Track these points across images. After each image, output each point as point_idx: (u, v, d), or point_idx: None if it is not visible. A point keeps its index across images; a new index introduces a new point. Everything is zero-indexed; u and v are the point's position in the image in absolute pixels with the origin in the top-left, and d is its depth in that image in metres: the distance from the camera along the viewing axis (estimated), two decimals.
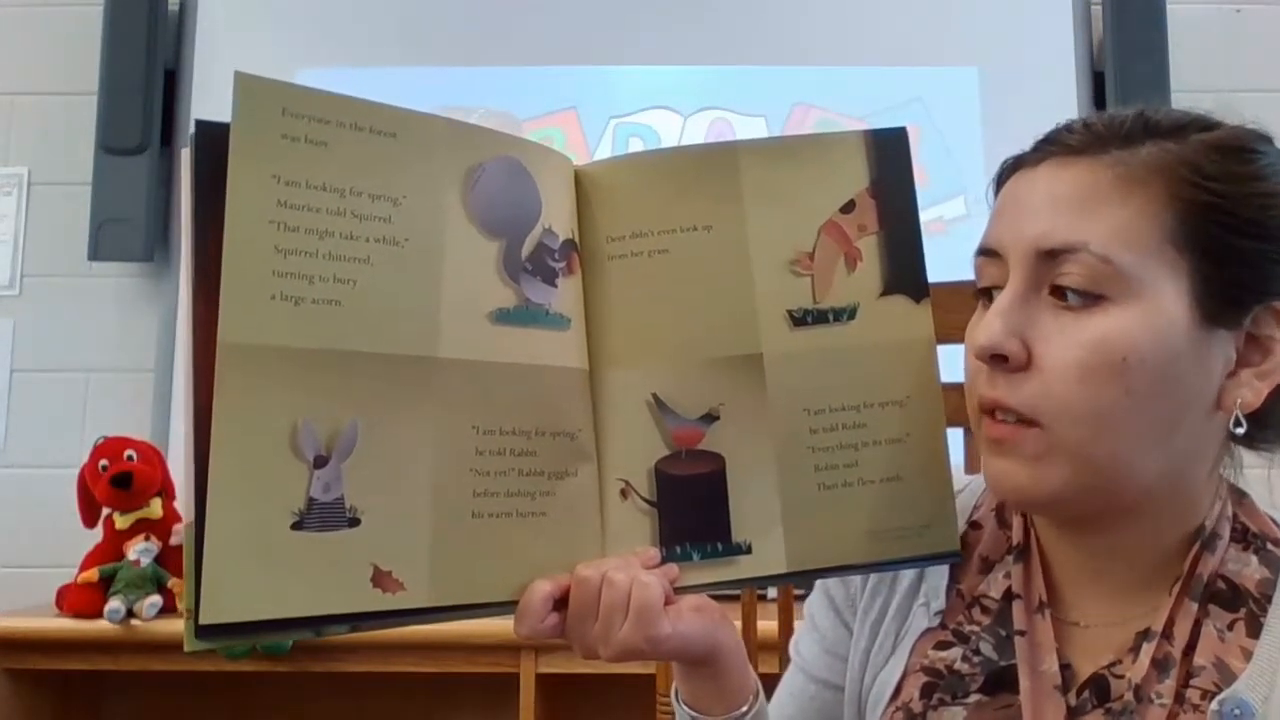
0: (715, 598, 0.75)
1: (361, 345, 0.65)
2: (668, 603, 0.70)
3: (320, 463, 0.63)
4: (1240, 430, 0.67)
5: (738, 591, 1.23)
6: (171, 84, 2.34)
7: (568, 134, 2.35)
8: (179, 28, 2.37)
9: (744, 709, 0.77)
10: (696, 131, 2.34)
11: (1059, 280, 0.66)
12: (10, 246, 2.34)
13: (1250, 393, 0.67)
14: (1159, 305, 0.64)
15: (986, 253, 0.71)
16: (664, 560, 0.72)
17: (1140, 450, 0.66)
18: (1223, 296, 0.65)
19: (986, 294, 0.71)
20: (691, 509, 0.73)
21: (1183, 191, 0.65)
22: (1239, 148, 0.67)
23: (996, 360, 0.67)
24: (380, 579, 0.64)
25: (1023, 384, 0.67)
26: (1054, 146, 0.69)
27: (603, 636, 0.69)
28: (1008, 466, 0.68)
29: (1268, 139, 0.69)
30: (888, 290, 0.76)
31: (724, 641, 0.75)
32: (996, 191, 0.74)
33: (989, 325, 0.67)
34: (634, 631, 0.69)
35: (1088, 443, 0.65)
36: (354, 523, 0.64)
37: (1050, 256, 0.66)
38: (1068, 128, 0.70)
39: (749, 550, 0.73)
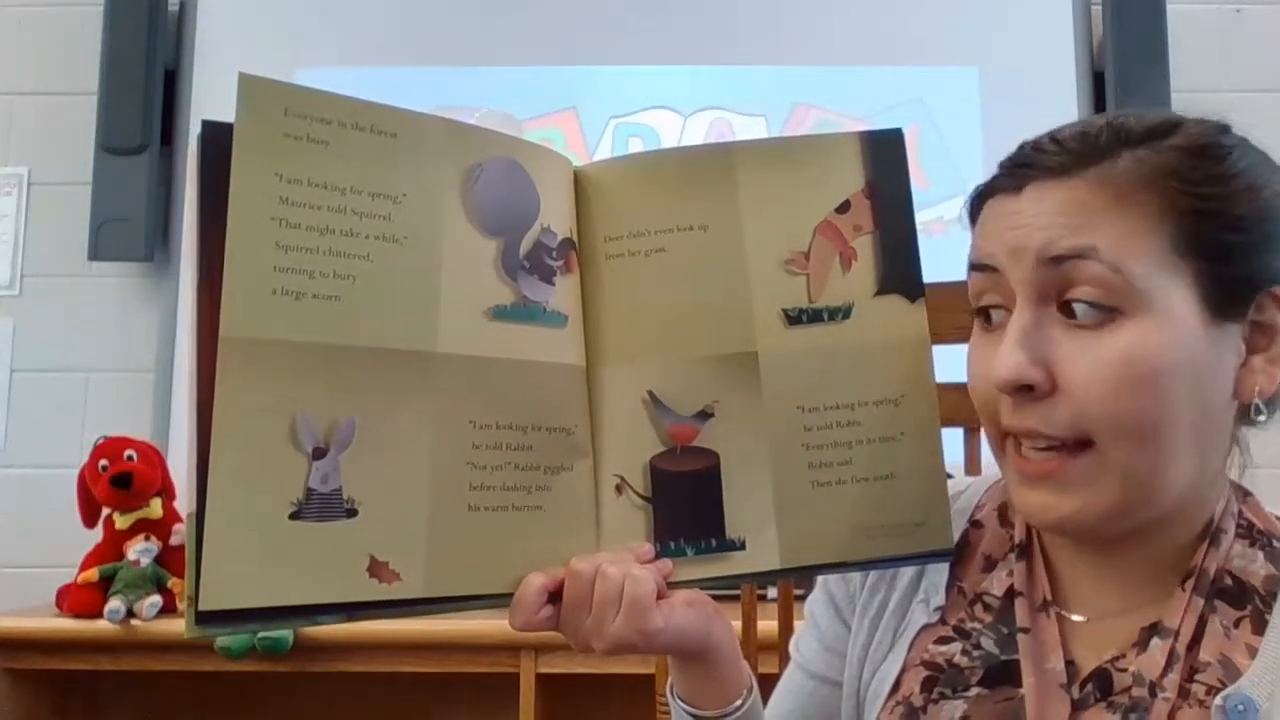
0: (715, 597, 0.75)
1: (360, 340, 0.66)
2: (661, 597, 0.71)
3: (319, 454, 0.64)
4: (1262, 419, 0.68)
5: (737, 591, 1.23)
6: (171, 84, 2.34)
7: (568, 134, 2.35)
8: (179, 28, 2.37)
9: (738, 703, 0.77)
10: (696, 131, 2.34)
11: (1070, 294, 0.65)
12: (10, 246, 2.34)
13: (1265, 379, 0.67)
14: (1171, 313, 0.65)
15: (981, 268, 0.70)
16: (658, 555, 0.73)
17: (1178, 456, 0.66)
18: (1227, 293, 0.66)
19: (985, 313, 0.70)
20: (686, 505, 0.73)
21: (1176, 201, 0.65)
22: (1211, 146, 0.67)
23: (1021, 391, 0.66)
24: (376, 569, 0.65)
25: (1053, 410, 0.66)
26: (1032, 170, 0.68)
27: (596, 630, 0.70)
28: (1049, 499, 0.67)
29: (1226, 129, 0.70)
30: (883, 290, 0.76)
31: (717, 636, 0.76)
32: (972, 217, 0.73)
33: (1010, 358, 0.66)
34: (626, 625, 0.69)
35: (1134, 457, 0.65)
36: (351, 513, 0.65)
37: (1056, 264, 0.65)
38: (1038, 148, 0.69)
39: (743, 546, 0.73)
